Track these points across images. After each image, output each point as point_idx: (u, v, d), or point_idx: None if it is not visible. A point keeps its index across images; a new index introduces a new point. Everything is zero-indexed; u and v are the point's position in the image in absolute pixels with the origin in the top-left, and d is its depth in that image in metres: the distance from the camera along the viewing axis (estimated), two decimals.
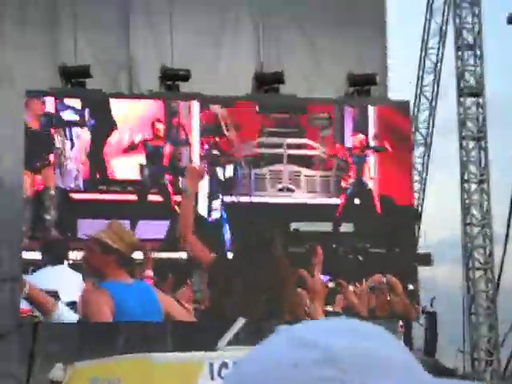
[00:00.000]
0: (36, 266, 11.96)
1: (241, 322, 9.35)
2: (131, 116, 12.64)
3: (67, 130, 12.49)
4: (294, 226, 12.92)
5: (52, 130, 12.38)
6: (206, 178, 12.70)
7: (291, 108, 13.14)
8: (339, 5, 13.84)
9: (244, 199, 12.94)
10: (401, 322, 14.04)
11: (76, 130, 12.52)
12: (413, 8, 20.14)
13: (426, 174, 16.94)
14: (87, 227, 11.97)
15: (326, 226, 13.02)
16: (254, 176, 13.02)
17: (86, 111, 12.42)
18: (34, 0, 13.05)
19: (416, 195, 15.37)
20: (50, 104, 12.35)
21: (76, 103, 12.44)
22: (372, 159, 12.97)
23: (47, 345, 11.83)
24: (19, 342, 12.10)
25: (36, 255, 12.02)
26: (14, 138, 12.12)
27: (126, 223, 12.01)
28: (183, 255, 12.30)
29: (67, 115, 12.48)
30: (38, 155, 12.33)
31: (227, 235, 12.61)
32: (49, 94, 12.02)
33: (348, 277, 12.55)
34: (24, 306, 11.57)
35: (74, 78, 12.23)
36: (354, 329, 0.87)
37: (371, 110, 12.94)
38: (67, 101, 12.42)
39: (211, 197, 12.75)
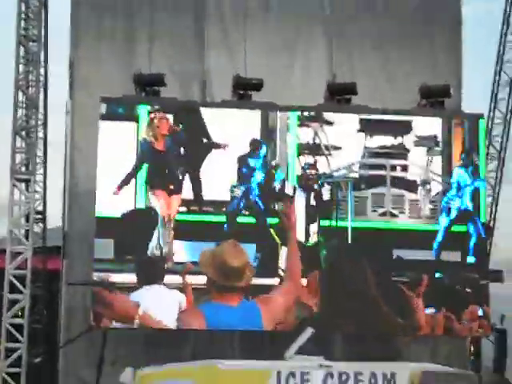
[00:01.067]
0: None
1: (309, 332, 9.30)
2: (225, 130, 12.25)
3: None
4: (396, 253, 12.31)
5: (180, 150, 12.13)
6: (303, 200, 12.26)
7: (394, 127, 12.68)
8: (414, 17, 13.78)
9: (343, 224, 12.33)
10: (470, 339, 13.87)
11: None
12: (489, 20, 19.93)
13: (499, 189, 16.69)
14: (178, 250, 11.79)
15: (431, 255, 12.38)
16: (355, 199, 12.44)
17: (180, 126, 12.17)
18: (111, 7, 13.27)
19: (488, 210, 15.15)
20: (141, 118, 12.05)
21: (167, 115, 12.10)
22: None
23: (115, 349, 11.95)
24: (88, 346, 12.25)
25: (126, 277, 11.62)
26: (88, 148, 12.30)
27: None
28: (275, 281, 11.78)
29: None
30: (167, 176, 12.06)
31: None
32: (123, 102, 12.13)
33: (453, 308, 12.25)
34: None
35: (148, 86, 12.35)
36: None
37: (482, 126, 12.71)
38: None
39: (308, 220, 12.24)
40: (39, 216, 13.35)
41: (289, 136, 12.42)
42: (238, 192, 12.16)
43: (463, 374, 9.62)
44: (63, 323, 12.61)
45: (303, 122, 12.46)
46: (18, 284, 12.65)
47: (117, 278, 11.73)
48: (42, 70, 13.47)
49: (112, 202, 11.79)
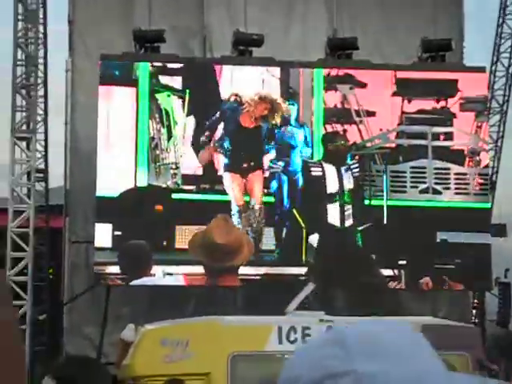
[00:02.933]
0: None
1: (310, 288, 9.33)
2: (244, 90, 11.03)
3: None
4: (441, 236, 10.73)
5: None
6: (335, 176, 10.63)
7: (436, 88, 11.12)
8: None
9: (378, 202, 10.66)
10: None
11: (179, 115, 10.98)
12: None
13: (502, 143, 16.64)
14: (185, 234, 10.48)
15: (483, 238, 10.84)
16: (391, 173, 10.79)
17: (187, 93, 11.03)
18: None
19: (491, 164, 15.12)
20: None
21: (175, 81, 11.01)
22: None
23: (119, 307, 12.02)
24: (92, 303, 12.32)
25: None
26: (88, 106, 12.24)
27: None
28: (300, 270, 10.61)
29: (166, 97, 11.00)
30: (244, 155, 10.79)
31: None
32: (123, 59, 12.00)
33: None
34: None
35: (148, 42, 12.25)
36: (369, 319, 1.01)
37: None
38: (163, 78, 11.13)
39: (342, 200, 10.60)
40: (41, 175, 13.34)
41: (313, 100, 11.02)
42: (278, 168, 10.81)
43: (465, 327, 9.67)
44: (67, 280, 12.67)
45: (330, 84, 11.07)
46: (20, 242, 12.69)
47: (115, 269, 10.69)
48: (41, 28, 13.38)
49: (112, 178, 10.75)
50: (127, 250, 10.50)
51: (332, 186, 10.70)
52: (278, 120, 10.88)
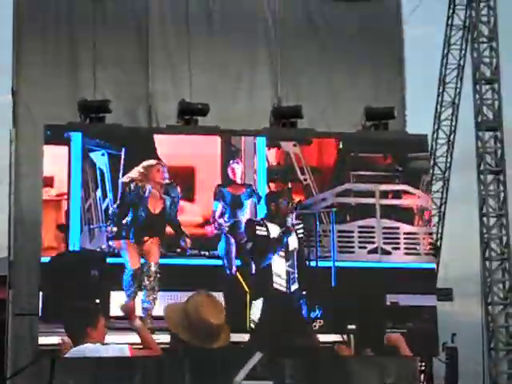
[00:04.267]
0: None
1: (258, 357, 9.28)
2: (180, 154, 10.87)
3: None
4: (390, 298, 10.46)
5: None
6: (279, 236, 10.26)
7: (383, 146, 11.11)
8: (356, 41, 13.92)
9: (325, 264, 10.37)
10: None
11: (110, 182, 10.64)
12: (430, 43, 20.24)
13: (445, 209, 16.93)
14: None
15: (430, 300, 10.59)
16: (338, 233, 10.50)
17: (123, 151, 10.83)
18: (54, 36, 13.21)
19: (434, 229, 15.34)
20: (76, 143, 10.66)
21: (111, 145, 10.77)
22: None
23: (65, 378, 11.80)
24: (37, 376, 12.06)
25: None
26: (33, 175, 12.16)
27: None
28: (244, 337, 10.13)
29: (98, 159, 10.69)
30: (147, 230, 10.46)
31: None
32: (69, 129, 11.92)
33: None
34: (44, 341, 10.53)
35: (93, 112, 12.26)
36: None
37: None
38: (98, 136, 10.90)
39: (289, 263, 10.21)
40: None
41: (256, 159, 10.89)
42: (226, 228, 10.49)
43: None
44: (10, 354, 12.42)
45: (273, 142, 10.98)
46: None
47: (45, 340, 9.92)
48: None
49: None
50: (72, 313, 9.96)
51: (277, 247, 10.28)
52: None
